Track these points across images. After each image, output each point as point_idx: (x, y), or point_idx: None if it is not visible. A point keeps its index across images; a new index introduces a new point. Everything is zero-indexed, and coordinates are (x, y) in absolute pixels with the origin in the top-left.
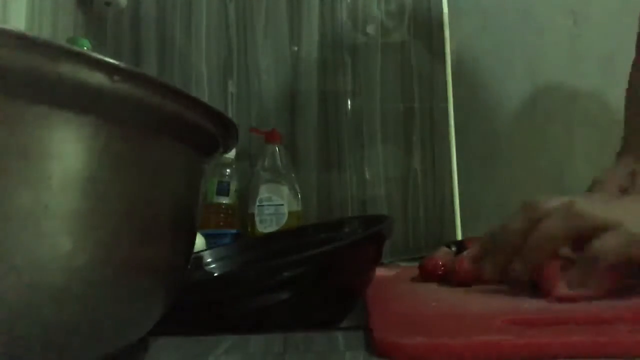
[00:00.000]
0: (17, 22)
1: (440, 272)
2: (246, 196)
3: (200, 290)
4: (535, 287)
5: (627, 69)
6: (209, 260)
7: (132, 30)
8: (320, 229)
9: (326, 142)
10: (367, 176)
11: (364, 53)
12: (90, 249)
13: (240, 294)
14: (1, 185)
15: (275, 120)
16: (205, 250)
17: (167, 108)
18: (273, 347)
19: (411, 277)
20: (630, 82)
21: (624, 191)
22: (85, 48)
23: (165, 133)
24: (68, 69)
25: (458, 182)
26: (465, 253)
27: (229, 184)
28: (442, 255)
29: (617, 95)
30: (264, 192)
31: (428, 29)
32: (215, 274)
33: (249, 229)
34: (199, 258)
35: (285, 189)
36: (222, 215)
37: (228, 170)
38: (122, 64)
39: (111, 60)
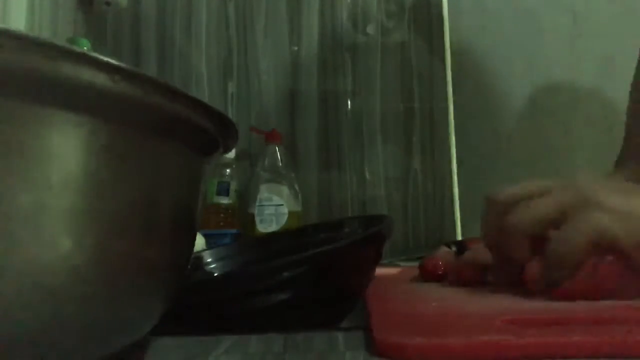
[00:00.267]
0: (17, 22)
1: (440, 272)
2: (246, 196)
3: (200, 290)
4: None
5: (627, 69)
6: (209, 260)
7: (132, 30)
8: (320, 229)
9: (326, 142)
10: (367, 176)
11: (364, 53)
12: (90, 248)
13: (240, 294)
14: (1, 185)
15: (275, 120)
16: (205, 250)
17: (167, 108)
18: (273, 347)
19: (411, 277)
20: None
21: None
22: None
23: (165, 133)
24: (68, 69)
25: (458, 182)
26: (466, 254)
27: (229, 184)
28: (442, 255)
29: (617, 95)
30: (264, 192)
31: (428, 29)
32: (215, 274)
33: (249, 229)
34: (199, 258)
35: (285, 189)
36: (222, 215)
37: (228, 170)
38: (122, 64)
39: (111, 60)
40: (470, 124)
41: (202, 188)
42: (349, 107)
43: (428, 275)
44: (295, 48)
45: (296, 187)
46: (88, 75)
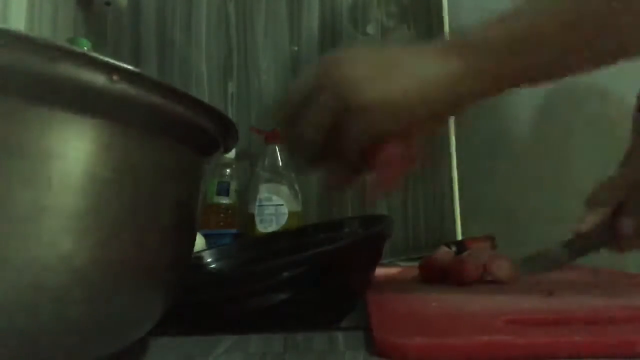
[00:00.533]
0: (17, 22)
1: (440, 272)
2: (246, 196)
3: (200, 290)
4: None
5: (629, 68)
6: (209, 260)
7: (132, 30)
8: (320, 229)
9: None
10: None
11: None
12: (90, 248)
13: (240, 294)
14: (1, 185)
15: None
16: (205, 250)
17: (167, 108)
18: (273, 347)
19: (411, 277)
20: None
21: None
22: (85, 48)
23: (165, 133)
24: (68, 69)
25: (458, 182)
26: (466, 254)
27: (229, 184)
28: (442, 255)
29: (617, 96)
30: (264, 192)
31: (428, 29)
32: (215, 274)
33: (249, 229)
34: (199, 258)
35: (285, 189)
36: (222, 215)
37: (228, 170)
38: (122, 64)
39: (111, 60)
40: (470, 124)
41: (202, 188)
42: None
43: (428, 275)
44: (295, 48)
45: (296, 187)
46: (88, 75)
